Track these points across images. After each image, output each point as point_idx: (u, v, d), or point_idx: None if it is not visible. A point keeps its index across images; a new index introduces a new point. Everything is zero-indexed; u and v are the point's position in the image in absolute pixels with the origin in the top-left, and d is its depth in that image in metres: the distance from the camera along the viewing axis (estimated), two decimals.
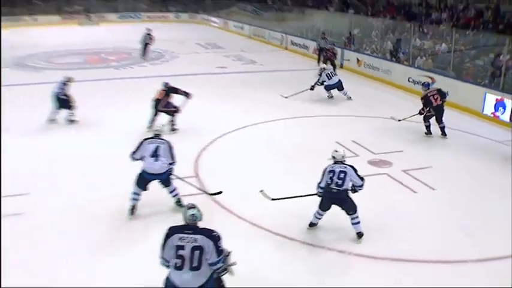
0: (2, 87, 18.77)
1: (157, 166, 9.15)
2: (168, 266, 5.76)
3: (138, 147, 9.26)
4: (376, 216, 8.89)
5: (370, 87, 18.95)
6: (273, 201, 8.84)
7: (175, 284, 5.64)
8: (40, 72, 23.07)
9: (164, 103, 13.68)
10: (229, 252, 5.91)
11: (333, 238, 8.34)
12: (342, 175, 8.08)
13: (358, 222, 8.26)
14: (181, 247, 5.60)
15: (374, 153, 11.80)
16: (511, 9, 20.60)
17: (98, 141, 12.86)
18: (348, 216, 8.23)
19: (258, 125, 14.22)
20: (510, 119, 13.50)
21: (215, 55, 28.22)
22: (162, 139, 9.52)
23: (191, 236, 5.64)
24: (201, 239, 5.61)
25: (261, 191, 9.02)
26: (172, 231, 5.75)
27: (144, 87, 17.58)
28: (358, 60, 21.40)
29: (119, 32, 39.70)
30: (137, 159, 9.29)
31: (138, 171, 9.08)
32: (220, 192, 9.59)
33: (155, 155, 9.15)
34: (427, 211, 9.15)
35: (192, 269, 5.59)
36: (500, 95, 14.40)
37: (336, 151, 8.46)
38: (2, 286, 6.22)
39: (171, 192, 9.52)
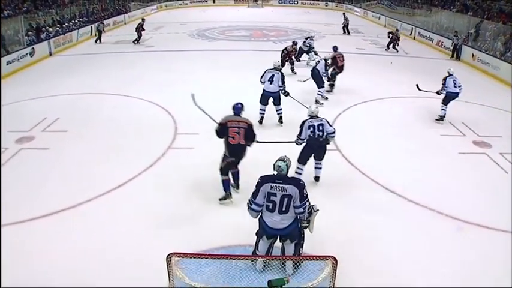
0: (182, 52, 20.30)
1: (271, 88, 11.47)
2: (256, 211, 5.77)
3: (262, 75, 11.74)
4: (471, 187, 8.93)
5: (481, 79, 18.23)
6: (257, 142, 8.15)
7: (266, 223, 5.74)
8: (214, 42, 24.12)
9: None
10: (317, 210, 5.84)
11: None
12: (320, 127, 8.25)
13: (320, 168, 8.69)
14: (273, 194, 5.62)
15: (478, 135, 11.54)
16: None
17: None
18: (316, 161, 8.64)
19: (381, 100, 14.34)
20: None
21: (355, 38, 27.90)
22: (277, 70, 11.61)
23: (281, 185, 5.63)
24: (290, 188, 5.61)
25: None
26: (264, 180, 5.73)
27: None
28: (473, 55, 20.56)
29: (278, 14, 40.36)
30: (261, 82, 11.65)
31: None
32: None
33: (271, 80, 11.46)
34: None
35: (281, 212, 5.66)
36: None
37: (310, 107, 8.59)
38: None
39: (278, 110, 11.78)
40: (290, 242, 5.81)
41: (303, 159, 8.53)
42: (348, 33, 29.63)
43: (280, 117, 11.85)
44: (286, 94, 11.61)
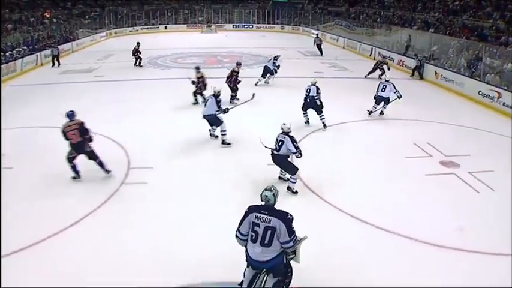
0: (135, 81, 20.13)
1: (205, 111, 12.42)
2: (241, 239, 5.79)
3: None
4: (440, 209, 9.01)
5: (446, 97, 18.64)
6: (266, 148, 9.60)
7: (249, 254, 5.73)
8: (167, 70, 23.96)
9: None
10: (304, 237, 5.96)
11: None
12: (280, 143, 9.29)
13: (294, 182, 9.45)
14: (257, 225, 5.63)
15: (445, 155, 11.69)
16: None
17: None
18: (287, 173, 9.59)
19: (346, 124, 14.42)
20: None
21: (313, 62, 28.27)
22: (212, 95, 12.40)
23: (266, 216, 5.63)
24: (274, 221, 5.59)
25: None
26: (251, 210, 5.75)
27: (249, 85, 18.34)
28: (436, 73, 21.05)
29: (233, 39, 40.69)
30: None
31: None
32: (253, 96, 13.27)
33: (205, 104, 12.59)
34: (487, 209, 9.04)
35: (263, 245, 5.61)
36: None
37: (284, 124, 9.39)
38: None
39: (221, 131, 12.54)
40: (273, 276, 5.79)
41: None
42: (321, 53, 30.58)
43: (223, 141, 12.64)
44: (226, 111, 12.49)
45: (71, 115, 10.11)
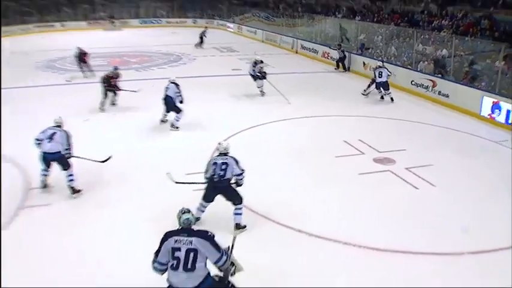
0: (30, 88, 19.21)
1: (48, 147, 9.91)
2: (160, 270, 5.67)
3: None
4: (378, 210, 8.96)
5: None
6: (177, 184, 8.81)
7: (172, 284, 5.60)
8: (67, 74, 23.11)
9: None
10: (228, 247, 5.88)
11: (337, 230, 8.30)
12: (223, 166, 8.25)
13: (240, 214, 8.42)
14: (178, 249, 5.53)
15: (379, 151, 11.76)
16: (506, 19, 20.67)
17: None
18: (233, 206, 8.34)
19: (269, 124, 14.22)
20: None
21: (230, 58, 28.25)
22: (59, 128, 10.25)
23: (186, 238, 5.58)
24: (196, 241, 5.55)
25: (167, 173, 8.80)
26: (168, 235, 5.67)
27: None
28: (364, 63, 21.34)
29: (140, 36, 39.88)
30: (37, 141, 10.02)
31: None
32: (108, 158, 10.44)
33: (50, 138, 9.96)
34: (428, 206, 9.11)
35: (187, 270, 5.52)
36: (496, 98, 14.37)
37: (220, 143, 8.64)
38: (2, 286, 6.10)
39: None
40: None
41: (207, 197, 8.50)
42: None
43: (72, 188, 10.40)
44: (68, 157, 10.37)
45: None
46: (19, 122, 15.08)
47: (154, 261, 5.65)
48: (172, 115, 14.14)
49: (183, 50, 31.06)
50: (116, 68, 17.04)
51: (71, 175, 10.24)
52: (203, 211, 8.55)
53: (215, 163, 8.33)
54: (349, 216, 8.74)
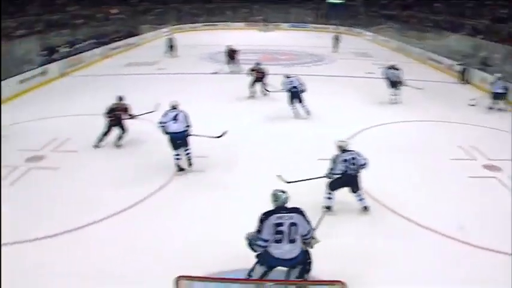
0: (191, 75, 21.09)
1: (175, 127, 10.01)
2: (263, 247, 5.68)
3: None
4: (482, 212, 8.82)
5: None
6: (288, 183, 7.96)
7: (274, 256, 5.67)
8: (224, 65, 24.25)
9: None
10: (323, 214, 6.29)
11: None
12: (353, 160, 8.18)
13: (364, 198, 8.52)
14: (280, 224, 5.60)
15: (489, 158, 11.50)
16: None
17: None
18: (354, 194, 8.44)
19: (390, 125, 14.29)
20: None
21: (365, 62, 28.05)
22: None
23: (287, 214, 5.67)
24: (295, 216, 5.68)
25: (278, 175, 8.25)
26: (267, 214, 5.71)
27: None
28: (482, 78, 20.40)
29: (289, 38, 40.62)
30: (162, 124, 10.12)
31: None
32: (223, 134, 10.51)
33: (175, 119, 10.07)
34: None
35: (290, 242, 5.64)
36: None
37: (342, 141, 8.50)
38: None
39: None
40: (299, 269, 5.86)
41: (334, 187, 8.45)
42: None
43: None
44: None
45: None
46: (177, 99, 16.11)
47: (257, 239, 5.68)
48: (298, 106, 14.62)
49: (325, 52, 31.38)
50: (258, 64, 17.68)
51: (189, 149, 10.48)
52: (331, 198, 8.48)
53: (345, 160, 8.17)
54: (456, 213, 8.71)
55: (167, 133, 10.18)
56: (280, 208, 5.78)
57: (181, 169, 10.43)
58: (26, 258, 7.27)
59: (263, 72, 17.50)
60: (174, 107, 10.49)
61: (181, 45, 31.29)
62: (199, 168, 10.61)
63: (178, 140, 10.26)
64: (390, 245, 7.63)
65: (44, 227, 8.09)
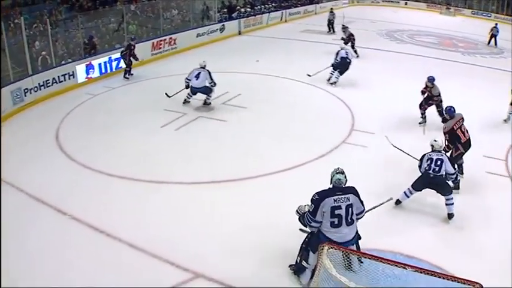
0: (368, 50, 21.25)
1: (196, 83, 12.57)
2: (316, 227, 5.68)
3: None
4: None
5: None
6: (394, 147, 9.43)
7: (333, 240, 5.53)
8: (403, 45, 24.49)
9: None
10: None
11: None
12: (438, 162, 7.93)
13: (451, 204, 8.02)
14: (338, 207, 5.51)
15: None
16: None
17: None
18: (443, 197, 8.07)
19: None
20: None
21: None
22: (203, 68, 12.65)
23: (344, 196, 5.58)
24: (352, 197, 5.62)
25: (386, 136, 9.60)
26: (323, 196, 5.60)
27: (479, 75, 17.91)
28: None
29: (469, 25, 38.51)
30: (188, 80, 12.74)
31: None
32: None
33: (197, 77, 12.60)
34: None
35: (348, 224, 5.59)
36: None
37: (435, 141, 8.32)
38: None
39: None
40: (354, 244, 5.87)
41: (417, 186, 8.29)
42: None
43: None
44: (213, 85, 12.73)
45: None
46: (355, 75, 16.39)
47: (310, 220, 5.64)
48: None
49: (508, 45, 28.45)
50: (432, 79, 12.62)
51: (208, 97, 12.84)
52: (409, 197, 8.33)
53: (431, 158, 8.06)
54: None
55: (188, 87, 12.64)
56: (336, 189, 5.71)
57: (186, 101, 12.90)
58: (202, 196, 8.38)
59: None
60: (201, 67, 12.63)
61: (360, 18, 31.57)
62: None
63: (197, 92, 12.64)
64: None
65: (205, 172, 9.13)
